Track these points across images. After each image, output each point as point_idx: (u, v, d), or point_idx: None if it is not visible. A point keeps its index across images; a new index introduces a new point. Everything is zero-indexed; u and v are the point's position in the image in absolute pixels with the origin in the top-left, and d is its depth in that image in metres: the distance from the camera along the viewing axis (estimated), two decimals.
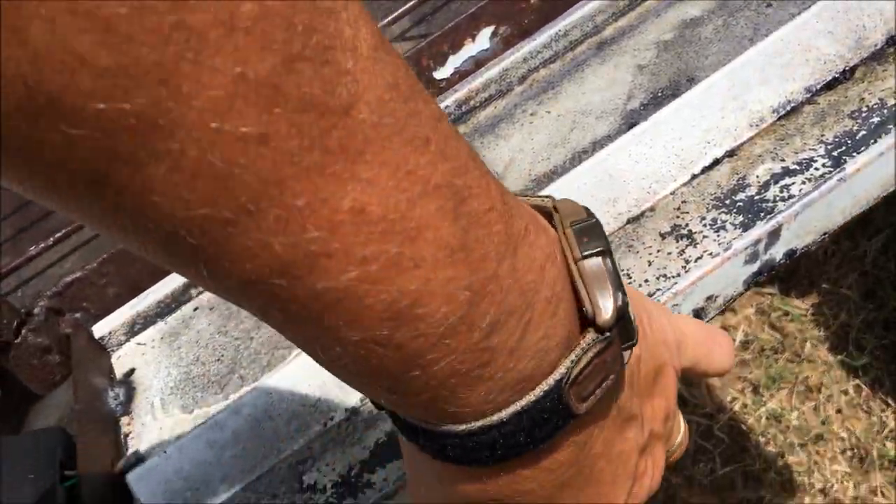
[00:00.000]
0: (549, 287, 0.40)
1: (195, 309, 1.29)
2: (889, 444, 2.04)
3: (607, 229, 1.01)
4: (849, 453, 2.08)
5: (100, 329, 1.29)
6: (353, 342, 0.37)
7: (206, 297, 1.30)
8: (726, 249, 0.83)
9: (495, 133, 1.26)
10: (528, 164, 1.17)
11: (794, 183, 0.93)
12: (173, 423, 1.11)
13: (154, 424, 1.12)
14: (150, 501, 0.98)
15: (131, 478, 0.99)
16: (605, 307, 0.42)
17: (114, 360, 1.25)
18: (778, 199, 0.92)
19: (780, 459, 2.11)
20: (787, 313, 2.33)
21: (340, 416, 1.00)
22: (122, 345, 1.29)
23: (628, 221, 1.01)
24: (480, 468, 0.48)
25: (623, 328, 0.44)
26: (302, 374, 1.01)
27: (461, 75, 1.32)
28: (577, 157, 1.13)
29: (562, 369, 0.41)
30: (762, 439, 2.16)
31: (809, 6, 1.06)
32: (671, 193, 1.00)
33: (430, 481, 0.55)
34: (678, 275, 0.90)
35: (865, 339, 2.21)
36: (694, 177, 1.01)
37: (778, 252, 0.84)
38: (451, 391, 0.40)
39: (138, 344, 1.29)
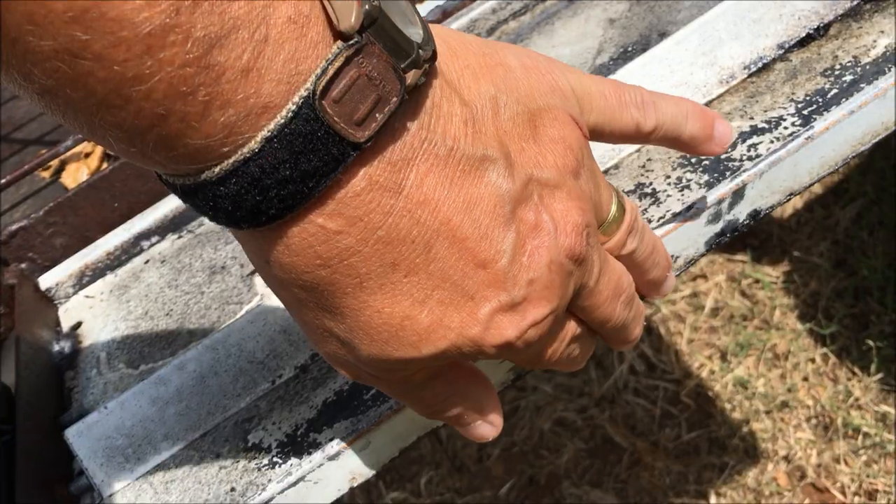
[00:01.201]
0: (291, 5, 0.37)
1: (146, 262, 1.25)
2: (854, 413, 2.04)
3: None
4: (813, 421, 2.08)
5: (46, 280, 1.24)
6: (48, 54, 0.34)
7: (158, 249, 1.26)
8: (688, 208, 0.79)
9: None
10: None
11: (762, 142, 0.90)
12: (118, 379, 1.07)
13: (99, 380, 1.08)
14: (89, 458, 0.94)
15: (70, 433, 0.95)
16: (346, 11, 0.38)
17: (61, 312, 1.21)
18: (745, 157, 0.89)
19: (745, 426, 2.11)
20: (757, 281, 2.32)
21: (289, 373, 0.97)
22: (69, 297, 1.25)
23: None
24: (279, 228, 0.45)
25: (387, 38, 0.40)
26: (251, 331, 0.97)
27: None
28: None
29: (308, 84, 0.39)
30: (728, 406, 2.15)
31: None
32: (636, 151, 0.96)
33: (258, 264, 0.52)
34: None
35: (834, 308, 2.20)
36: None
37: (741, 212, 0.81)
38: (182, 120, 0.38)
39: (87, 297, 1.24)
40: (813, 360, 2.15)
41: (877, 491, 1.92)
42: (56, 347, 1.16)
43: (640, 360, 2.29)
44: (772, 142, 0.90)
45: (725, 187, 0.82)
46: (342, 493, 0.84)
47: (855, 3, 1.00)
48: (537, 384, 2.38)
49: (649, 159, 0.96)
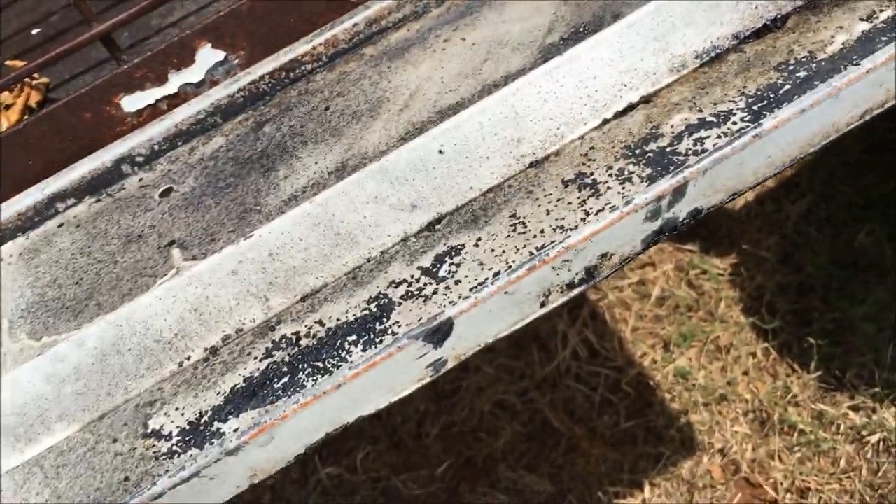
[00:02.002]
0: None
1: (60, 225, 1.17)
2: (791, 410, 2.02)
3: (507, 172, 0.92)
4: (751, 416, 2.06)
5: None
6: None
7: (74, 212, 1.18)
8: (627, 203, 0.74)
9: (405, 58, 1.15)
10: (434, 94, 1.07)
11: (709, 136, 0.84)
12: (19, 350, 0.99)
13: (1, 351, 1.00)
14: None
15: None
16: None
17: None
18: (690, 152, 0.84)
19: (682, 417, 2.08)
20: (704, 272, 2.29)
21: (198, 355, 0.90)
22: None
23: (531, 165, 0.92)
24: None
25: None
26: (159, 307, 0.90)
27: None
28: (488, 90, 1.02)
29: None
30: (668, 396, 2.13)
31: None
32: (580, 138, 0.91)
33: None
34: (575, 227, 0.81)
35: (779, 303, 2.18)
36: (605, 122, 0.92)
37: (682, 211, 0.76)
38: None
39: None
40: (754, 355, 2.13)
41: (809, 489, 1.91)
42: None
43: (583, 345, 2.25)
44: (719, 136, 0.84)
45: (666, 184, 0.77)
46: (241, 489, 0.78)
47: None
48: (480, 364, 2.34)
49: (592, 147, 0.91)
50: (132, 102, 1.17)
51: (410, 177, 0.91)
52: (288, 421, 0.77)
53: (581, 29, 1.05)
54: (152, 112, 1.19)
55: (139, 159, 1.17)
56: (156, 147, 1.18)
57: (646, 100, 0.92)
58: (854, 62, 0.84)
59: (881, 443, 1.87)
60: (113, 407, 0.89)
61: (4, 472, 0.88)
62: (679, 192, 0.76)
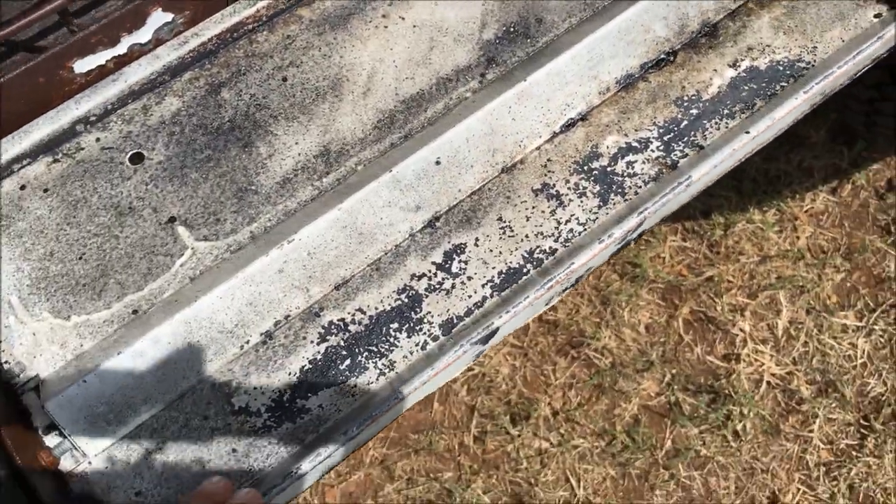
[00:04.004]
0: None
1: (22, 188, 1.24)
2: None
3: (486, 177, 1.21)
4: None
5: None
6: None
7: (33, 172, 1.24)
8: (609, 237, 1.08)
9: (349, 31, 1.32)
10: (392, 80, 1.28)
11: (637, 160, 1.20)
12: (49, 329, 1.14)
13: (23, 328, 1.14)
14: (71, 425, 1.05)
15: (51, 407, 1.05)
16: None
17: None
18: (626, 174, 1.19)
19: None
20: None
21: (256, 339, 1.13)
22: None
23: (503, 171, 1.21)
24: None
25: None
26: (220, 305, 1.11)
27: None
28: (443, 85, 1.26)
29: None
30: None
31: None
32: (537, 149, 1.22)
33: None
34: (554, 236, 1.15)
35: None
36: (555, 135, 1.23)
37: (635, 234, 1.13)
38: None
39: None
40: None
41: None
42: None
43: None
44: (644, 162, 1.20)
45: (632, 222, 1.12)
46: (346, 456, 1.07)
47: (694, 35, 1.29)
48: None
49: (549, 160, 1.22)
50: (83, 65, 1.23)
51: (416, 184, 1.16)
52: (405, 402, 1.06)
53: (511, 30, 1.31)
54: (100, 72, 1.26)
55: (92, 118, 1.26)
56: (109, 106, 1.26)
57: (583, 118, 1.24)
58: (728, 111, 1.22)
59: None
60: (189, 386, 1.11)
61: (103, 451, 1.08)
62: (639, 226, 1.12)
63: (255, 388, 1.13)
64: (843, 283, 2.46)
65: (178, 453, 1.10)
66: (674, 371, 2.48)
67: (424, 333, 1.14)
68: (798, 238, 2.52)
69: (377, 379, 1.12)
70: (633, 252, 2.57)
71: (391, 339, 1.14)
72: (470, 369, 2.60)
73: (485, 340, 1.10)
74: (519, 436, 2.47)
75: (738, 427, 2.40)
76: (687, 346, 2.47)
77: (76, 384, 1.08)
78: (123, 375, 1.09)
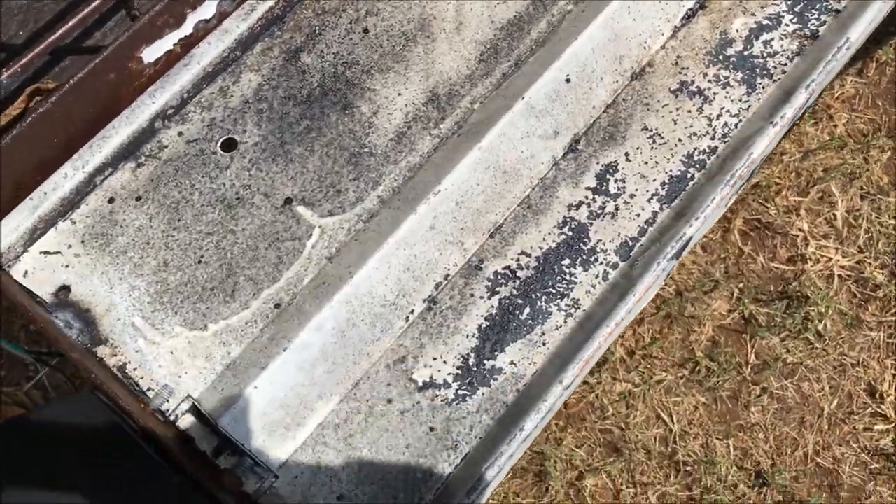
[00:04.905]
0: None
1: (110, 200, 1.11)
2: None
3: (617, 87, 1.11)
4: None
5: None
6: None
7: (118, 182, 1.12)
8: (780, 117, 1.00)
9: None
10: (482, 9, 1.19)
11: (773, 38, 1.11)
12: (187, 344, 1.03)
13: (157, 349, 1.03)
14: (249, 440, 0.93)
15: (224, 423, 0.93)
16: None
17: (17, 278, 1.04)
18: (766, 55, 1.10)
19: None
20: None
21: (420, 307, 1.03)
22: (18, 258, 1.08)
23: (633, 78, 1.11)
24: None
25: None
26: (378, 276, 1.01)
27: None
28: (540, 2, 1.16)
29: None
30: None
31: None
32: (662, 48, 1.12)
33: None
34: (709, 134, 1.06)
35: None
36: (676, 29, 1.13)
37: (801, 113, 1.04)
38: None
39: (44, 253, 1.09)
40: None
41: None
42: (59, 321, 1.02)
43: None
44: (782, 38, 1.11)
45: (800, 98, 1.03)
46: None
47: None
48: None
49: (678, 56, 1.13)
50: (152, 52, 1.10)
51: (549, 107, 1.06)
52: (604, 342, 0.96)
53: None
54: (168, 58, 1.13)
55: (170, 111, 1.13)
56: (185, 95, 1.13)
57: (701, 5, 1.14)
58: None
59: None
60: (363, 372, 1.00)
61: (288, 461, 0.96)
62: (807, 101, 1.03)
63: (434, 360, 1.02)
64: (891, 161, 2.41)
65: (370, 445, 0.98)
66: (741, 285, 2.42)
67: (601, 263, 1.04)
68: (836, 126, 2.47)
69: (565, 321, 1.02)
70: None
71: (567, 277, 1.04)
72: None
73: (678, 254, 1.01)
74: (598, 383, 2.38)
75: (819, 327, 2.34)
76: (749, 258, 2.41)
77: (247, 392, 0.96)
78: (293, 373, 0.98)
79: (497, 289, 1.05)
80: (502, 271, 1.06)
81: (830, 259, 2.43)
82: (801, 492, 2.24)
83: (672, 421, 2.26)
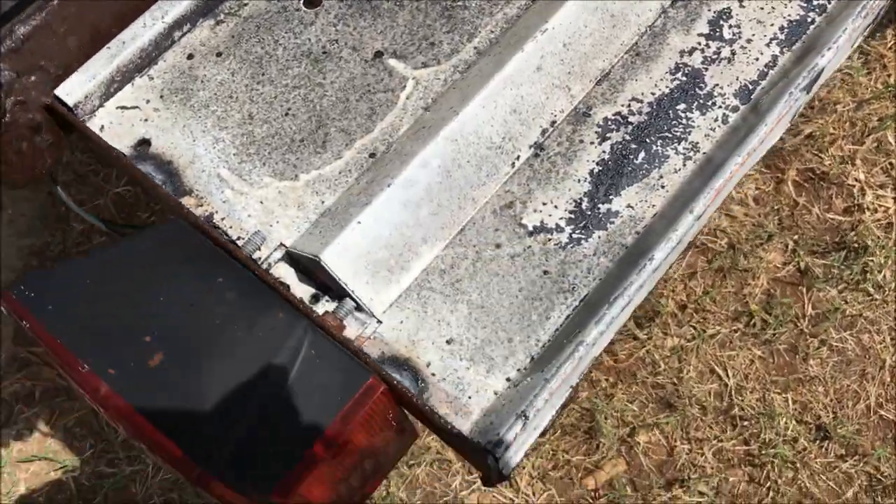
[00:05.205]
0: None
1: (189, 56, 1.05)
2: None
3: None
4: None
5: (70, 92, 1.00)
6: None
7: (197, 39, 1.06)
8: None
9: None
10: None
11: None
12: (278, 194, 0.96)
13: (245, 199, 0.96)
14: (352, 279, 0.87)
15: (327, 257, 0.87)
16: None
17: (94, 129, 0.98)
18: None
19: None
20: None
21: (525, 153, 0.96)
22: (94, 111, 1.02)
23: None
24: None
25: None
26: (484, 116, 0.96)
27: None
28: None
29: None
30: None
31: None
32: None
33: None
34: None
35: None
36: None
37: None
38: None
39: (121, 108, 1.02)
40: None
41: None
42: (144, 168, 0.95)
43: None
44: None
45: None
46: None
47: None
48: None
49: None
50: None
51: None
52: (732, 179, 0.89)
53: None
54: None
55: None
56: None
57: None
58: None
59: None
60: (468, 219, 0.93)
61: (392, 305, 0.90)
62: None
63: (544, 204, 0.95)
64: None
65: (480, 290, 0.92)
66: (795, 237, 2.35)
67: (720, 107, 0.98)
68: (889, 76, 2.42)
69: (684, 164, 0.95)
70: None
71: (684, 121, 0.98)
72: None
73: (809, 87, 0.94)
74: (649, 338, 2.31)
75: (878, 278, 2.27)
76: (803, 209, 2.35)
77: (350, 228, 0.89)
78: (398, 210, 0.91)
79: (608, 134, 0.99)
80: (612, 117, 1.00)
81: (889, 209, 2.37)
82: (865, 444, 2.16)
83: (727, 375, 2.18)
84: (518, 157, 0.99)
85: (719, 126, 0.98)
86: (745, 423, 2.18)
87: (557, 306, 0.91)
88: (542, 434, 0.91)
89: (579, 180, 0.97)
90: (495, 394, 0.87)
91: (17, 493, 2.07)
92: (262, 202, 0.98)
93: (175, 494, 2.10)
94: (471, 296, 0.92)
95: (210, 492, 0.73)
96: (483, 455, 0.81)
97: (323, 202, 0.97)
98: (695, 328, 2.27)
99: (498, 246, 0.95)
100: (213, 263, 0.84)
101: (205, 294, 0.80)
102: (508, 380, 0.88)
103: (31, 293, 0.79)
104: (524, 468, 2.20)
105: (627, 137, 0.99)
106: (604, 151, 0.98)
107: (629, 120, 0.99)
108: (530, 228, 0.96)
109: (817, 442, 2.24)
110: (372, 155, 0.99)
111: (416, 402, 0.84)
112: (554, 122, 1.00)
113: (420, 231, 0.94)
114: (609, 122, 1.00)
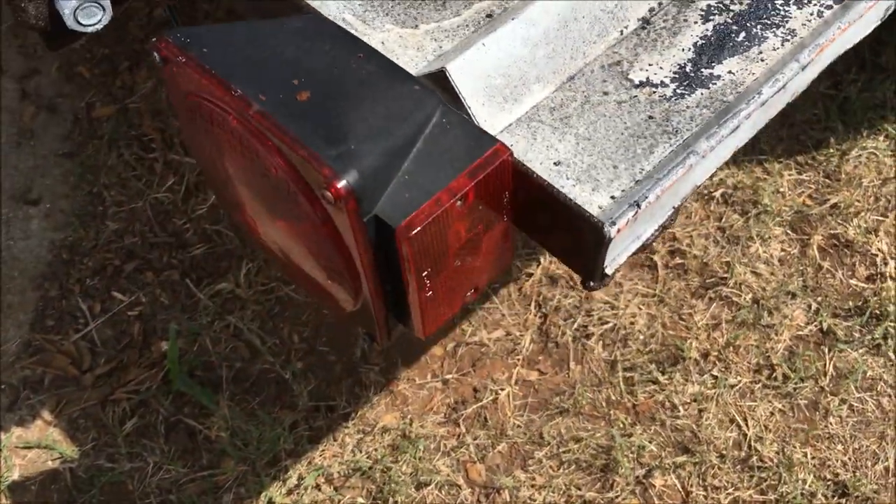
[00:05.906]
0: None
1: None
2: None
3: None
4: None
5: None
6: None
7: None
8: None
9: None
10: None
11: None
12: (398, 37, 1.05)
13: (366, 39, 1.01)
14: (471, 97, 0.92)
15: (452, 69, 0.91)
16: None
17: None
18: None
19: None
20: None
21: (633, 24, 1.03)
22: None
23: None
24: None
25: None
26: None
27: None
28: None
29: None
30: None
31: None
32: None
33: None
34: None
35: None
36: None
37: None
38: None
39: None
40: None
41: None
42: None
43: None
44: None
45: None
46: None
47: None
48: None
49: None
50: None
51: None
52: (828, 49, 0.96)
53: None
54: None
55: None
56: None
57: None
58: None
59: None
60: (578, 69, 1.00)
61: (503, 130, 0.94)
62: None
63: (650, 65, 1.02)
64: None
65: (587, 126, 0.97)
66: (819, 298, 2.40)
67: (816, 4, 1.06)
68: None
69: (782, 45, 1.02)
70: (751, 189, 2.52)
71: (781, 13, 1.05)
72: (603, 321, 2.45)
73: None
74: (670, 383, 2.31)
75: None
76: (827, 273, 2.40)
77: (474, 47, 0.94)
78: (518, 45, 0.98)
79: (710, 17, 1.06)
80: (715, 4, 1.07)
81: None
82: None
83: (747, 425, 2.18)
84: (626, 27, 1.05)
85: (815, 19, 1.05)
86: (763, 473, 2.15)
87: (661, 144, 0.95)
88: (642, 249, 0.93)
89: (683, 49, 1.04)
90: (600, 208, 0.90)
91: (10, 478, 2.00)
92: (383, 43, 1.03)
93: (174, 496, 2.02)
94: (578, 129, 0.97)
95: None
96: (598, 232, 0.83)
97: (441, 47, 1.02)
98: (716, 377, 2.28)
99: (605, 93, 1.00)
100: (354, 43, 0.89)
101: (348, 61, 0.85)
102: (613, 198, 0.91)
103: (185, 38, 0.84)
104: None
105: (729, 20, 1.06)
106: (707, 30, 1.05)
107: (730, 7, 1.07)
108: (637, 82, 1.01)
109: (835, 498, 2.20)
110: (489, 15, 1.05)
111: (535, 177, 0.89)
112: (661, 3, 1.07)
113: (535, 70, 0.99)
114: (711, 8, 1.07)
